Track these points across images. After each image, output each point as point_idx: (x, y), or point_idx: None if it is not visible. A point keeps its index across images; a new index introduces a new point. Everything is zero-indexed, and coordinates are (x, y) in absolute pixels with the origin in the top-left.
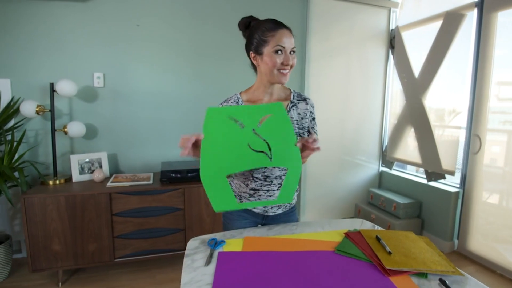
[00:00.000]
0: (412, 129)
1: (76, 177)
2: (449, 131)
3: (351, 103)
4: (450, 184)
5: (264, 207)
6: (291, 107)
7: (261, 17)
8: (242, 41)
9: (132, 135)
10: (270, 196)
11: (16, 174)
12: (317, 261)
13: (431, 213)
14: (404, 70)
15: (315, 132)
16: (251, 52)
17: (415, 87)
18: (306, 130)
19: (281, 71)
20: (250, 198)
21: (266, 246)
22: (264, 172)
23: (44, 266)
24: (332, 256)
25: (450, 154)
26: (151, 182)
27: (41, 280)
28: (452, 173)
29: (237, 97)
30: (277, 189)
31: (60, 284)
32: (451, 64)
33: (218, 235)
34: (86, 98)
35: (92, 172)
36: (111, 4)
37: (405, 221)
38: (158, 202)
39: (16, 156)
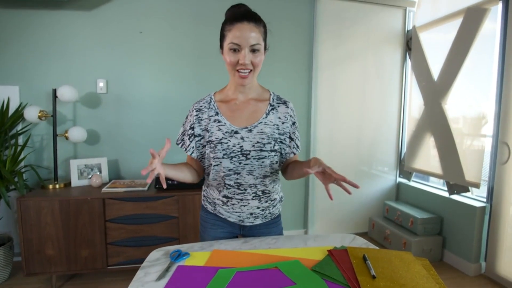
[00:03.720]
0: (432, 137)
1: (75, 182)
2: (473, 139)
3: (366, 110)
4: (475, 197)
5: (239, 216)
6: (271, 110)
7: (266, 20)
8: None
9: (134, 141)
10: (244, 205)
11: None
12: (281, 281)
13: (453, 230)
14: (422, 73)
15: (296, 138)
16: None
17: (434, 91)
18: (288, 136)
19: (240, 72)
20: (223, 207)
21: (233, 261)
22: (237, 179)
23: (38, 270)
24: None
25: (475, 164)
26: (145, 188)
27: (38, 284)
28: (477, 185)
29: (210, 97)
30: (252, 199)
31: None
32: (473, 65)
33: (185, 247)
34: (89, 104)
35: (91, 177)
36: (114, 13)
37: (423, 238)
38: (152, 209)
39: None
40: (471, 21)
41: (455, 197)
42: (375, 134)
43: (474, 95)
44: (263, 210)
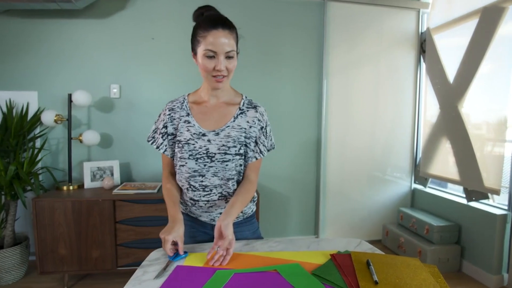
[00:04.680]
0: (448, 141)
1: (88, 183)
2: (493, 143)
3: (379, 115)
4: (496, 205)
5: (210, 214)
6: (239, 114)
7: (274, 25)
8: (257, 51)
9: (145, 144)
10: (211, 206)
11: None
12: (280, 284)
13: (472, 239)
14: (437, 76)
15: (261, 143)
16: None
17: (450, 94)
18: (253, 140)
19: (215, 77)
20: (193, 207)
21: (234, 263)
22: (202, 181)
23: (51, 269)
24: None
25: (494, 169)
26: (155, 191)
27: (52, 283)
28: (496, 192)
29: (184, 98)
30: (218, 199)
31: None
32: (491, 66)
33: (186, 247)
34: (103, 109)
35: (103, 179)
36: (127, 20)
37: (439, 247)
38: (161, 212)
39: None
40: (488, 20)
41: (474, 204)
42: (389, 138)
43: (493, 98)
44: None
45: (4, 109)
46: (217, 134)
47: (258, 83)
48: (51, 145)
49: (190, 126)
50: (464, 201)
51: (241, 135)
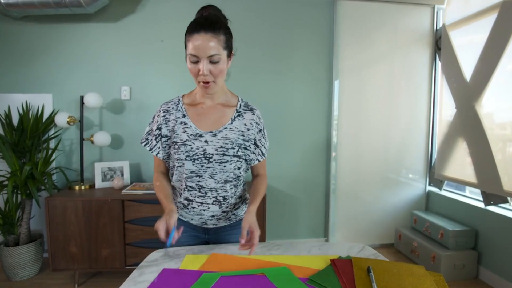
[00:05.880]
0: (465, 142)
1: (98, 183)
2: None
3: (393, 115)
4: None
5: (201, 217)
6: (237, 116)
7: (283, 25)
8: (266, 52)
9: None
10: (204, 209)
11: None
12: None
13: (490, 244)
14: (453, 74)
15: (262, 145)
16: None
17: (467, 93)
18: (253, 143)
19: (201, 82)
20: (184, 210)
21: (221, 265)
22: (199, 181)
23: (63, 266)
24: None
25: None
26: None
27: (64, 280)
28: None
29: (179, 99)
30: (212, 203)
31: (76, 286)
32: (511, 65)
33: (185, 249)
34: (114, 110)
35: (113, 179)
36: (137, 23)
37: (454, 252)
38: None
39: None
40: (507, 15)
41: (492, 208)
42: (403, 139)
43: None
44: (225, 212)
45: (21, 111)
46: (215, 135)
47: (268, 84)
48: (65, 145)
49: (187, 127)
50: (481, 205)
51: (239, 138)
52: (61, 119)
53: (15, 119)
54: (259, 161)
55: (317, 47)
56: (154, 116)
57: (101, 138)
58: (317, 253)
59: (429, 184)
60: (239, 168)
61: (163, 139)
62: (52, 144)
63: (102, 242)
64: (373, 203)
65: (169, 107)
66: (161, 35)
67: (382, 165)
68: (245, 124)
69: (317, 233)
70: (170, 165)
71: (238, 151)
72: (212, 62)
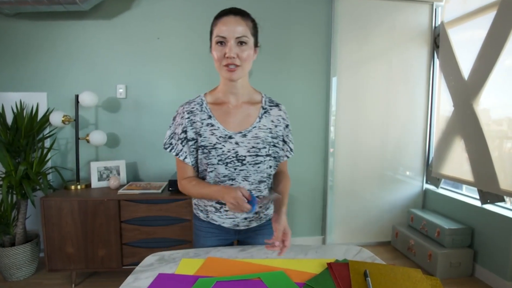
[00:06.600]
0: (462, 141)
1: (95, 183)
2: (509, 143)
3: (391, 113)
4: None
5: (234, 220)
6: (263, 113)
7: (281, 22)
8: (264, 49)
9: (151, 144)
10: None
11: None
12: None
13: (486, 243)
14: (451, 72)
15: (290, 141)
16: None
17: (465, 91)
18: (281, 139)
19: (228, 66)
20: (216, 213)
21: (223, 270)
22: (232, 185)
23: (59, 266)
24: None
25: (511, 171)
26: (159, 191)
27: (61, 280)
28: None
29: (201, 99)
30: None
31: (73, 286)
32: (509, 62)
33: (180, 252)
34: (110, 109)
35: (109, 179)
36: (133, 20)
37: (451, 250)
38: (166, 212)
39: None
40: (506, 12)
41: (488, 206)
42: (401, 137)
43: (510, 94)
44: (257, 213)
45: (15, 110)
46: (244, 135)
47: (265, 81)
48: (60, 145)
49: (214, 129)
50: (478, 203)
51: (267, 136)
52: (56, 118)
53: (9, 118)
54: (287, 157)
55: (315, 44)
56: (175, 118)
57: (97, 137)
58: (314, 256)
59: (426, 182)
60: (271, 167)
61: (190, 143)
62: (47, 143)
63: (99, 242)
64: (370, 200)
65: (193, 108)
66: (157, 33)
67: (380, 162)
68: (272, 121)
69: (314, 232)
70: (199, 169)
71: (269, 149)
72: (240, 43)
